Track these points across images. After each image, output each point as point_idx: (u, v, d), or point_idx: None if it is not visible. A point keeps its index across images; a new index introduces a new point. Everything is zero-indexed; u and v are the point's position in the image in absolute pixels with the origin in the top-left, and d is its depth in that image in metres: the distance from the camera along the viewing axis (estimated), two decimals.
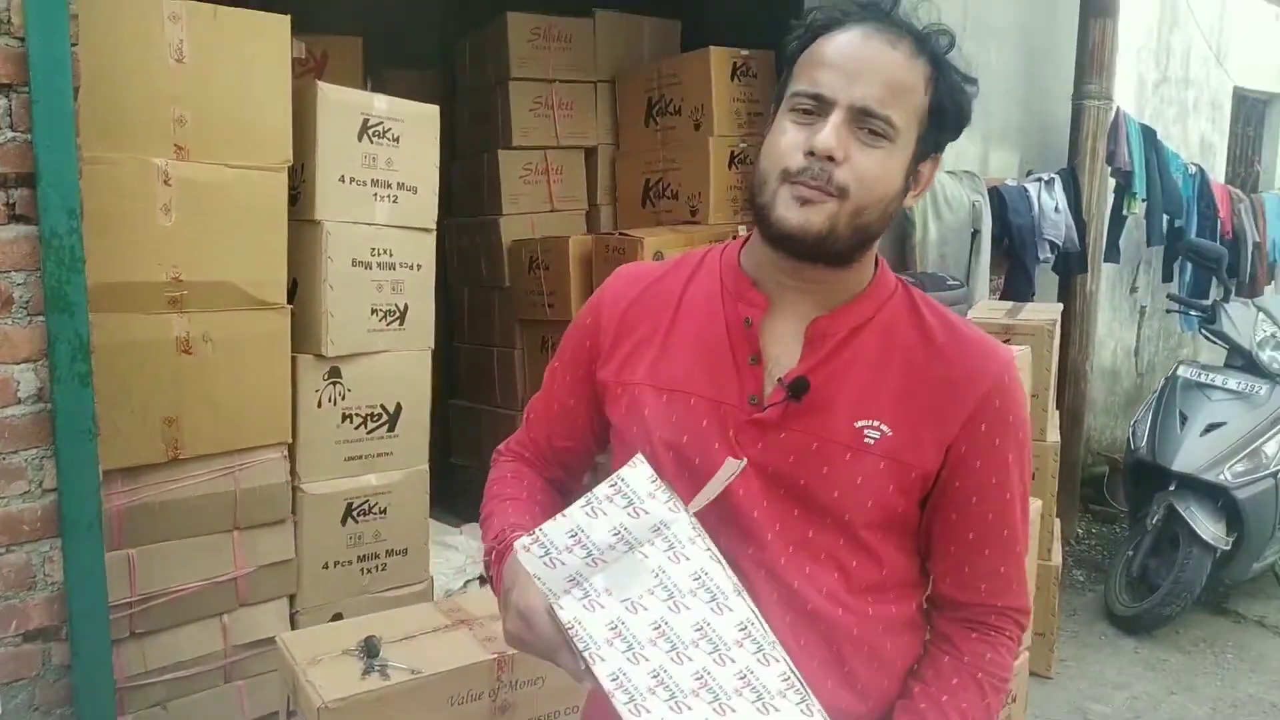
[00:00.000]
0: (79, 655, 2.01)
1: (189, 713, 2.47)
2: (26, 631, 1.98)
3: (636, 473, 0.88)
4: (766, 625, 0.87)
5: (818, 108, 0.96)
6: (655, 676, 0.84)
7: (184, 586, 2.42)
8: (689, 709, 0.83)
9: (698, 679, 0.84)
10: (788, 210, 0.96)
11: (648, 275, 1.14)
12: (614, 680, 0.84)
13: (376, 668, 1.56)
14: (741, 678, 0.85)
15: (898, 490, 1.01)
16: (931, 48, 0.99)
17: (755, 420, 1.01)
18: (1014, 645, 1.07)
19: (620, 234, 3.74)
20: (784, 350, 1.04)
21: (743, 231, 3.94)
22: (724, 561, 0.88)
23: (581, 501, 0.88)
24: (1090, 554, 4.40)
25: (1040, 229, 3.92)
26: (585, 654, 0.85)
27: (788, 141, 0.97)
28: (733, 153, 3.94)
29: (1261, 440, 3.45)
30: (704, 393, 1.03)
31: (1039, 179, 4.08)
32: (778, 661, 0.85)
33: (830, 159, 0.94)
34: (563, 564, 0.86)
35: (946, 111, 1.00)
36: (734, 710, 0.83)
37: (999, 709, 1.05)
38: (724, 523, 1.00)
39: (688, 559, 0.87)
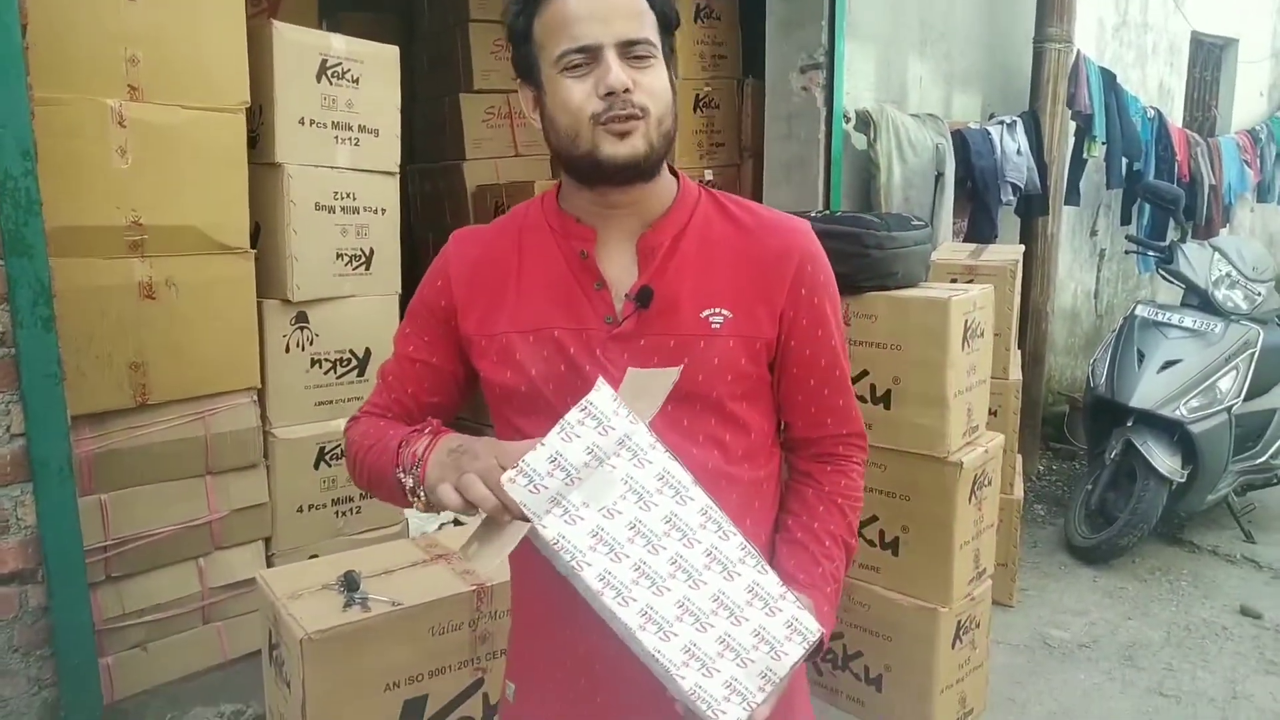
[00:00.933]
0: (56, 596, 2.02)
1: (169, 653, 2.49)
2: (2, 575, 1.98)
3: (601, 395, 0.96)
4: (719, 506, 1.00)
5: (588, 58, 1.05)
6: (637, 569, 0.95)
7: (158, 530, 2.43)
8: (668, 590, 0.95)
9: (672, 563, 0.96)
10: (613, 147, 1.06)
11: (484, 235, 1.24)
12: (601, 580, 0.94)
13: (357, 600, 1.58)
14: (708, 554, 0.97)
15: (749, 361, 1.14)
16: None
17: (615, 336, 1.12)
18: (860, 469, 1.25)
19: None
20: (621, 270, 1.15)
21: (709, 175, 3.94)
22: (680, 460, 0.99)
23: (556, 429, 0.95)
24: (1051, 489, 4.52)
25: (1003, 171, 3.96)
26: (572, 563, 0.93)
27: (579, 93, 1.06)
28: (697, 96, 3.93)
29: (1216, 376, 3.54)
30: (564, 324, 1.14)
31: (1001, 122, 4.11)
32: (735, 535, 0.99)
33: (626, 90, 1.04)
34: (545, 488, 0.93)
35: (669, 18, 1.12)
36: (705, 583, 0.96)
37: (856, 522, 1.24)
38: None
39: (650, 463, 0.97)
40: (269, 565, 2.67)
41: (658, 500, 0.96)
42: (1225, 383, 3.57)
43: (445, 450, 1.04)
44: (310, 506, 2.74)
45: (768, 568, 1.00)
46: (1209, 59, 6.79)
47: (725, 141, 4.05)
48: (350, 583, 1.61)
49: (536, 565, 1.07)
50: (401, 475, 1.07)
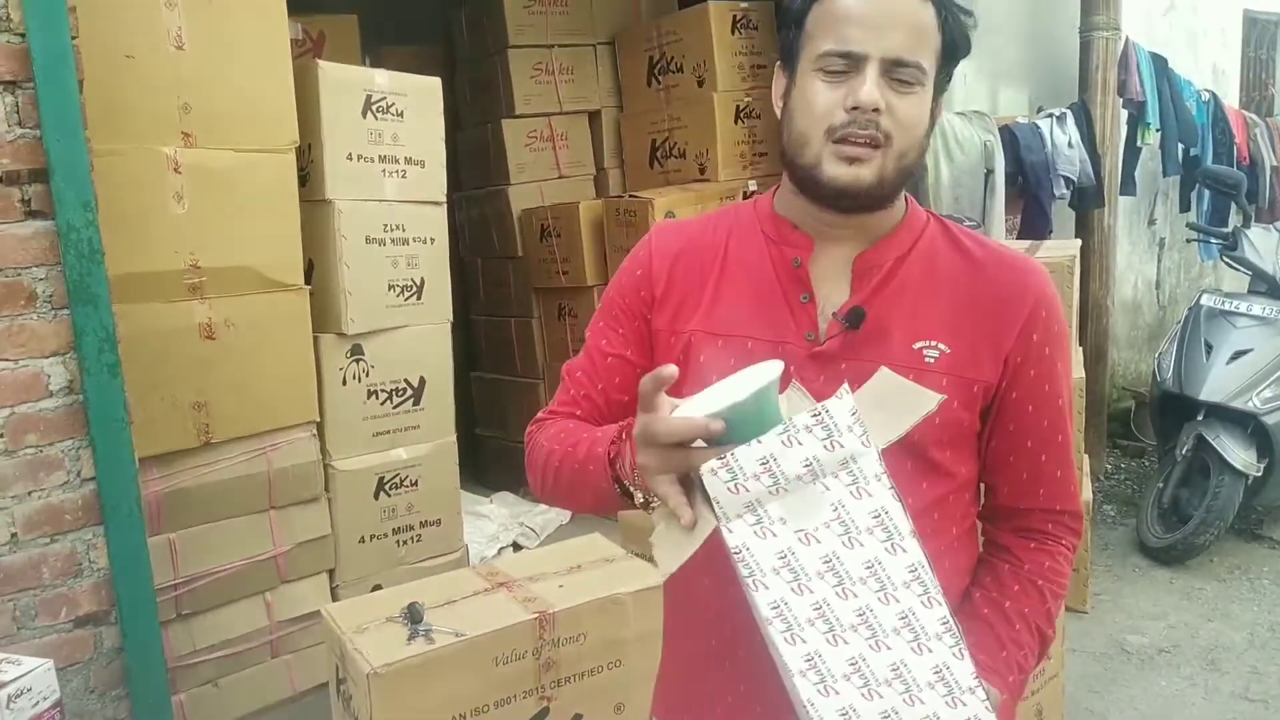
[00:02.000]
0: (129, 637, 2.05)
1: (239, 688, 2.53)
2: (77, 617, 2.02)
3: (841, 404, 0.84)
4: (932, 569, 0.86)
5: (849, 65, 0.98)
6: (817, 609, 0.84)
7: (225, 566, 2.47)
8: (845, 642, 0.83)
9: (859, 615, 0.84)
10: (837, 169, 0.98)
11: (688, 229, 1.16)
12: (774, 609, 0.83)
13: (421, 632, 1.59)
14: (902, 618, 0.84)
15: (962, 405, 1.04)
16: None
17: (815, 355, 1.04)
18: (1070, 554, 1.08)
19: (630, 196, 3.73)
20: (833, 287, 1.06)
21: (753, 186, 3.92)
22: (903, 501, 0.86)
23: (779, 429, 0.84)
24: (1120, 489, 4.39)
25: (1054, 165, 3.88)
26: (749, 579, 0.84)
27: (825, 100, 0.98)
28: (738, 107, 3.91)
29: None
30: (761, 335, 1.06)
31: (1050, 115, 4.03)
32: (940, 605, 0.85)
33: (875, 111, 0.97)
34: (746, 490, 0.83)
35: (955, 47, 1.03)
36: (889, 648, 0.84)
37: (1057, 611, 1.08)
38: None
39: (870, 495, 0.85)
40: (334, 597, 2.71)
41: (865, 540, 0.84)
42: None
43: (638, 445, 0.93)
44: (372, 537, 2.77)
45: (966, 652, 0.85)
46: (1263, 37, 6.59)
47: (768, 151, 4.02)
48: (414, 615, 1.62)
49: (698, 598, 1.03)
50: (632, 489, 0.97)
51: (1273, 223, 4.43)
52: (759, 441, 0.83)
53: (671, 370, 0.81)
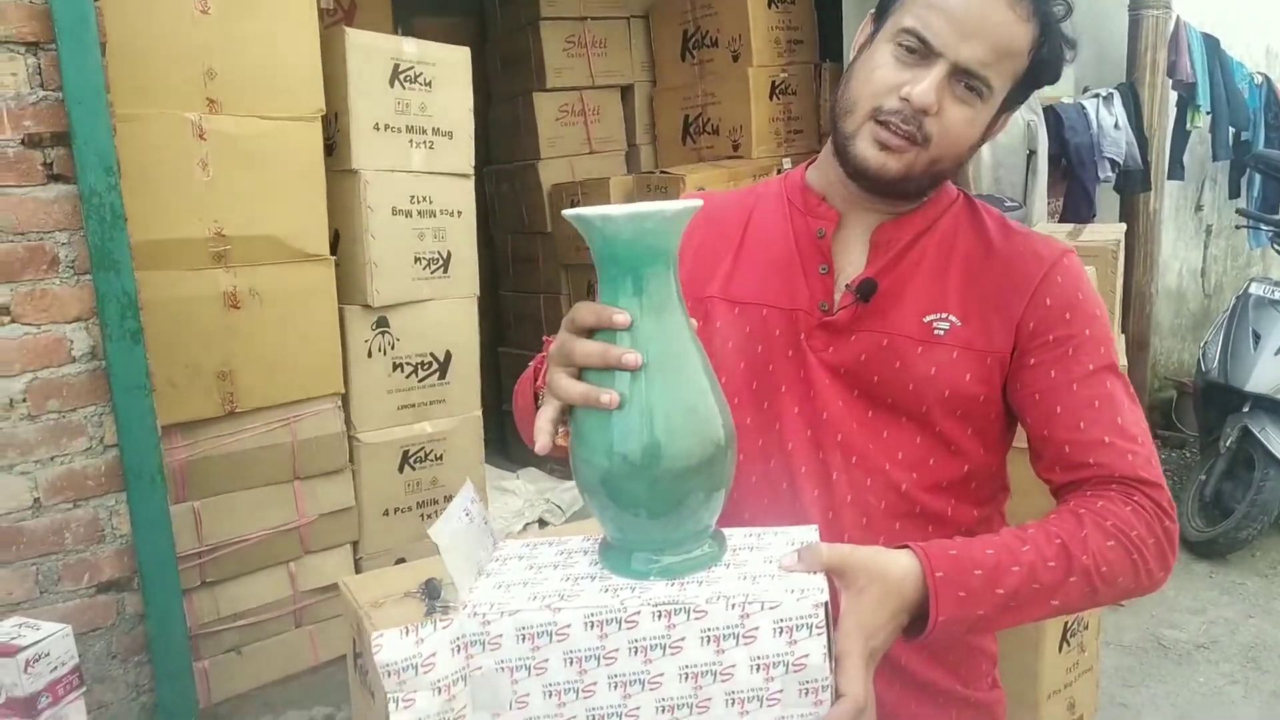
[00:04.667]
0: (151, 604, 2.06)
1: (262, 657, 2.53)
2: (100, 583, 2.03)
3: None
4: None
5: (922, 51, 0.95)
6: None
7: (249, 536, 2.47)
8: None
9: None
10: (868, 149, 0.97)
11: (716, 198, 1.15)
12: None
13: (438, 608, 1.56)
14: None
15: (975, 378, 1.00)
16: (1046, 12, 0.97)
17: (825, 323, 1.03)
18: (1145, 513, 0.91)
19: (662, 172, 3.68)
20: (851, 259, 1.05)
21: (787, 164, 3.85)
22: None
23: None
24: None
25: (1100, 147, 3.76)
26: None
27: (884, 78, 0.96)
28: (774, 83, 3.83)
29: None
30: (776, 303, 1.05)
31: (1096, 95, 3.90)
32: None
33: (924, 111, 0.94)
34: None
35: (1041, 74, 0.99)
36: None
37: (1123, 561, 0.89)
38: (816, 419, 1.02)
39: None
40: (357, 569, 2.70)
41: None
42: None
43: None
44: (396, 510, 2.76)
45: None
46: None
47: (803, 128, 3.94)
48: (431, 590, 1.60)
49: None
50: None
51: None
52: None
53: (622, 318, 0.74)
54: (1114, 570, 0.89)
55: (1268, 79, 4.97)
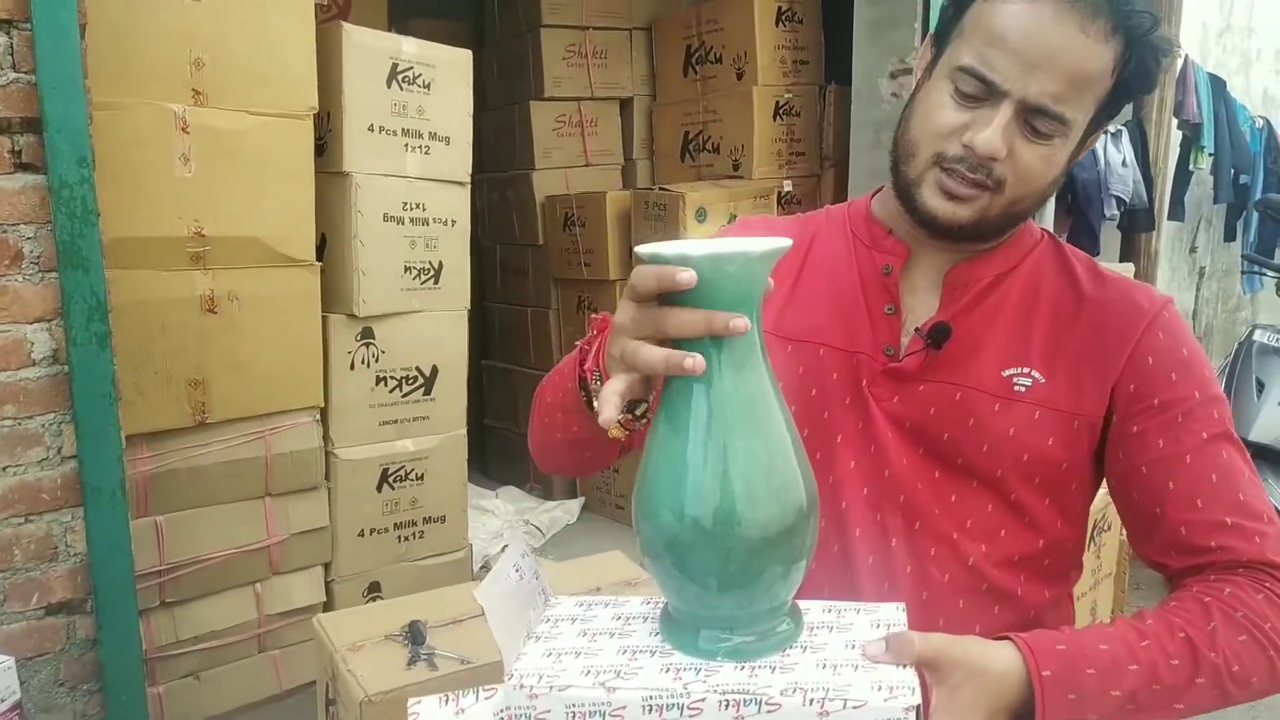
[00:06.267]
0: (105, 629, 1.91)
1: (222, 683, 2.38)
2: (50, 605, 1.88)
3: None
4: None
5: (985, 92, 0.84)
6: None
7: (215, 554, 2.32)
8: None
9: None
10: (935, 199, 0.88)
11: (773, 224, 1.08)
12: None
13: (423, 656, 1.43)
14: None
15: (1059, 443, 0.90)
16: (1130, 26, 0.85)
17: (891, 370, 0.93)
18: (1277, 599, 0.81)
19: (661, 189, 3.57)
20: (921, 300, 0.95)
21: (788, 187, 3.76)
22: None
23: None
24: None
25: (1107, 184, 3.70)
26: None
27: (945, 122, 0.86)
28: (778, 103, 3.74)
29: None
30: (835, 343, 0.95)
31: (1105, 131, 3.85)
32: None
33: (992, 159, 0.85)
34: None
35: (1130, 90, 0.88)
36: None
37: (1257, 657, 0.78)
38: (876, 477, 0.93)
39: None
40: (328, 592, 2.56)
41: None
42: None
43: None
44: (372, 530, 2.62)
45: None
46: None
47: (806, 151, 3.86)
48: (415, 635, 1.47)
49: None
50: (591, 386, 0.80)
51: None
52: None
53: (688, 276, 0.63)
54: (1247, 669, 0.78)
55: (1268, 123, 4.97)
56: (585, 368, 0.82)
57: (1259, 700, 0.83)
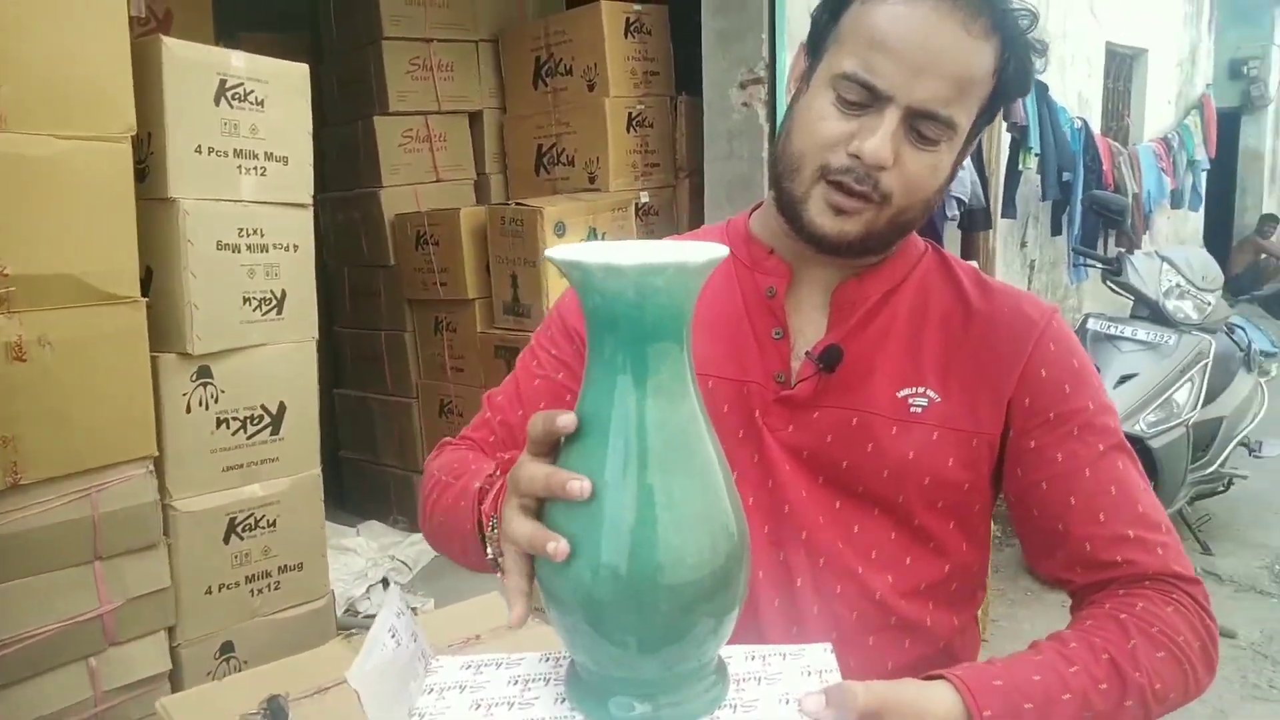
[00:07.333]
0: None
1: None
2: None
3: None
4: None
5: (869, 99, 0.81)
6: None
7: (39, 630, 2.08)
8: None
9: None
10: (822, 216, 0.85)
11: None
12: None
13: None
14: None
15: (959, 463, 0.87)
16: (1008, 25, 0.83)
17: (784, 398, 0.89)
18: (1188, 613, 0.81)
19: (517, 204, 3.48)
20: (809, 322, 0.91)
21: (645, 198, 3.73)
22: None
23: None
24: (1003, 509, 4.41)
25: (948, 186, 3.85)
26: None
27: (830, 131, 0.83)
28: (630, 114, 3.71)
29: (1172, 389, 3.47)
30: (724, 374, 0.90)
31: None
32: None
33: (880, 168, 0.82)
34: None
35: (1009, 92, 0.87)
36: None
37: (1170, 677, 0.78)
38: (776, 513, 0.88)
39: None
40: (174, 657, 2.34)
41: None
42: (1182, 395, 3.50)
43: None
44: (221, 586, 2.41)
45: None
46: (1121, 69, 6.89)
47: (660, 162, 3.84)
48: (276, 712, 1.32)
49: None
50: (488, 537, 0.77)
51: (1133, 247, 4.57)
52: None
53: (568, 420, 0.60)
54: (1167, 686, 0.78)
55: (1085, 123, 5.30)
56: (483, 509, 0.78)
57: (1171, 713, 0.82)
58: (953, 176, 0.89)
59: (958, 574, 0.91)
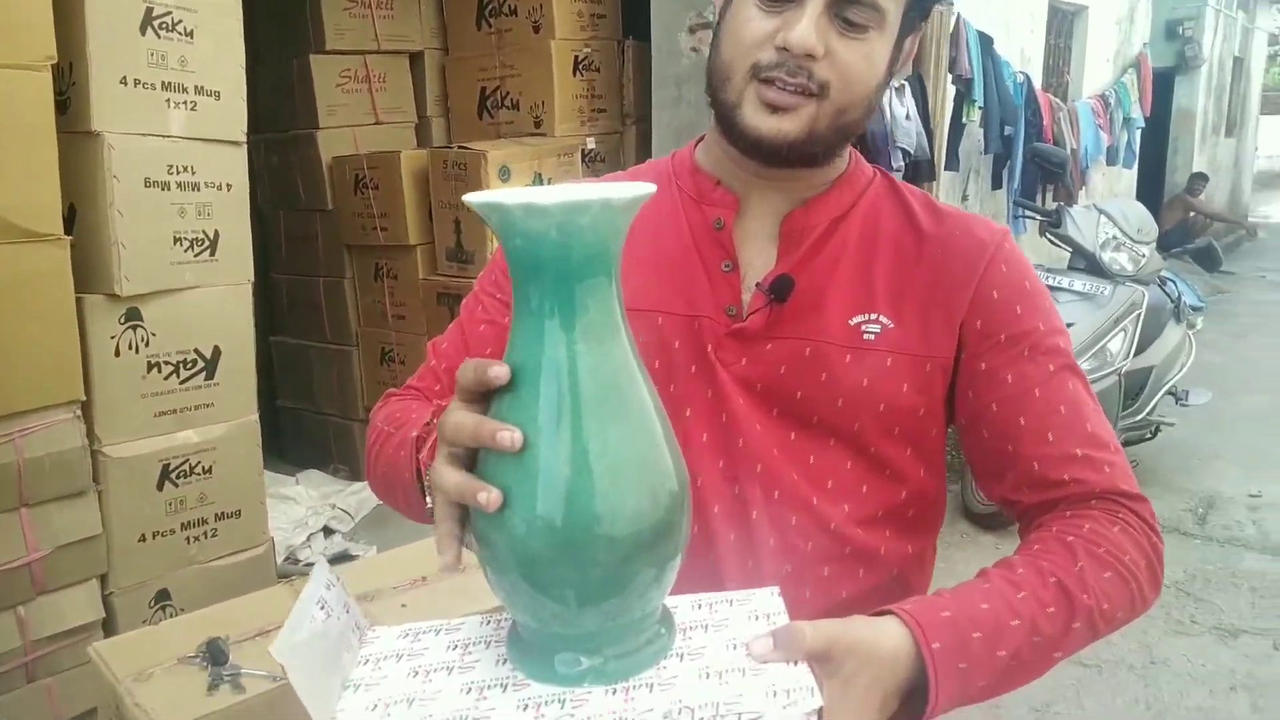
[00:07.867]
0: None
1: None
2: None
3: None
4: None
5: None
6: None
7: None
8: None
9: None
10: (757, 116, 0.82)
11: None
12: None
13: (226, 678, 1.26)
14: None
15: (913, 388, 0.86)
16: None
17: (736, 331, 0.87)
18: (1134, 531, 0.81)
19: (460, 147, 3.40)
20: (759, 253, 0.90)
21: (591, 144, 3.67)
22: None
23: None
24: (954, 439, 4.51)
25: (893, 136, 3.85)
26: None
27: (755, 31, 0.81)
28: (577, 58, 3.64)
29: (1106, 339, 3.56)
30: (674, 309, 0.88)
31: (890, 86, 4.00)
32: None
33: (808, 56, 0.79)
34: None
35: None
36: None
37: (1117, 597, 0.78)
38: (731, 447, 0.87)
39: None
40: (107, 606, 2.28)
41: None
42: (1115, 344, 3.59)
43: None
44: (155, 534, 2.35)
45: None
46: (1063, 25, 6.95)
47: (607, 108, 3.78)
48: (215, 654, 1.29)
49: None
50: (427, 486, 0.76)
51: (1069, 201, 4.64)
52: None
53: (501, 372, 0.59)
54: (1114, 606, 0.78)
55: (1028, 78, 5.34)
56: (421, 457, 0.77)
57: (1118, 630, 0.84)
58: (889, 76, 0.87)
59: (914, 500, 0.91)
